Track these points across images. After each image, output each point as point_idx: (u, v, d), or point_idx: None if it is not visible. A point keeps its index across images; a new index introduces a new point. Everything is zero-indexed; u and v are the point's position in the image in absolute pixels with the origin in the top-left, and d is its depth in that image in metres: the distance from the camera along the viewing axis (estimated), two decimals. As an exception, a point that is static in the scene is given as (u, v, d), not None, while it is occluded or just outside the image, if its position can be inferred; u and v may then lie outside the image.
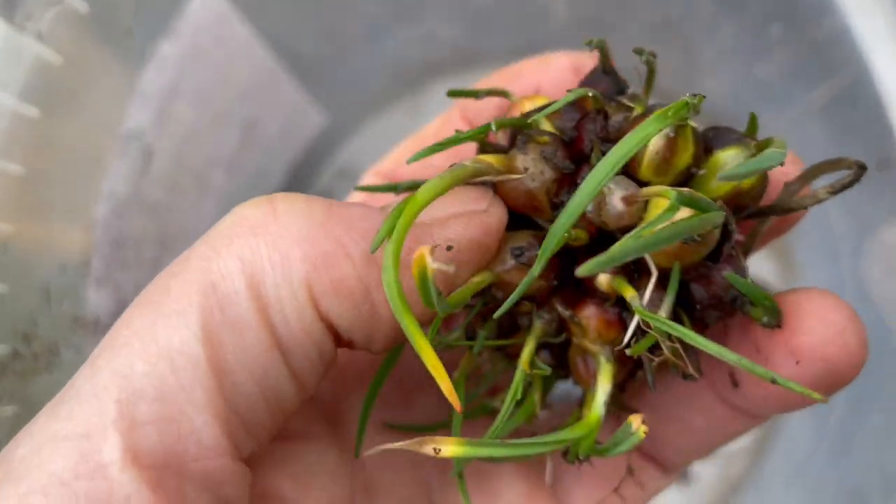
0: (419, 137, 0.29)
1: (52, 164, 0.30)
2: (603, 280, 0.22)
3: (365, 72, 0.55)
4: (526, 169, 0.22)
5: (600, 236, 0.22)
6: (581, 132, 0.23)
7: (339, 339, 0.19)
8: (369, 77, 0.56)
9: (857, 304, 0.48)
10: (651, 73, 0.24)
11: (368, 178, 0.30)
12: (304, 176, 0.59)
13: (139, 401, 0.16)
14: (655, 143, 0.21)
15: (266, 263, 0.18)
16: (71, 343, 0.31)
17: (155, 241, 0.40)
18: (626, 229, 0.21)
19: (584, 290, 0.23)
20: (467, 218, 0.20)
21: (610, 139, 0.22)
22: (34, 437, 0.16)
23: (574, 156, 0.23)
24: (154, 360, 0.16)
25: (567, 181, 0.22)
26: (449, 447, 0.18)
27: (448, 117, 0.29)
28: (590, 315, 0.22)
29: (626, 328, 0.21)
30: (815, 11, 0.42)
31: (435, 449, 0.18)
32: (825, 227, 0.50)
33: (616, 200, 0.21)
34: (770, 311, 0.21)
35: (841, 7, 0.41)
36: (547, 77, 0.26)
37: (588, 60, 0.26)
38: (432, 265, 0.17)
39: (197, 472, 0.16)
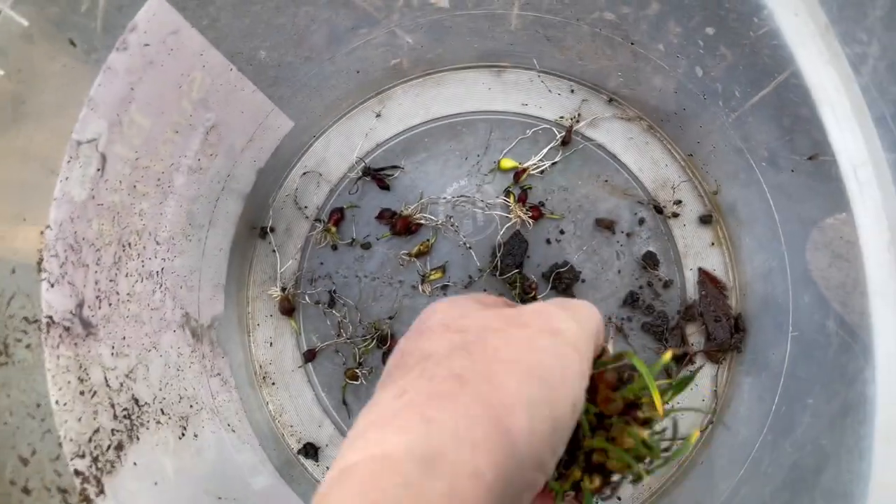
0: None
1: (2, 170, 0.32)
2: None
3: (330, 76, 0.57)
4: None
5: None
6: None
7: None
8: (335, 82, 0.58)
9: (800, 289, 0.50)
10: None
11: None
12: (272, 177, 0.61)
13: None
14: None
15: None
16: (21, 343, 0.32)
17: (115, 242, 0.42)
18: None
19: None
20: None
21: None
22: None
23: None
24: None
25: None
26: None
27: None
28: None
29: None
30: (746, 13, 0.44)
31: None
32: (769, 218, 0.52)
33: None
34: None
35: (770, 7, 0.43)
36: None
37: None
38: None
39: None
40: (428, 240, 0.60)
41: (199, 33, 0.41)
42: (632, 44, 0.54)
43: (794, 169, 0.49)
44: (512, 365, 0.28)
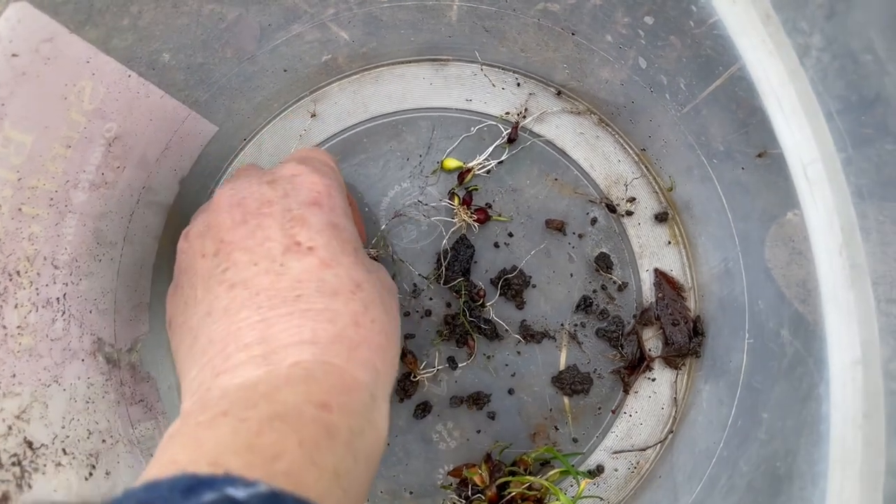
0: None
1: None
2: None
3: (252, 76, 0.53)
4: None
5: None
6: None
7: None
8: (259, 82, 0.54)
9: (755, 292, 0.47)
10: None
11: None
12: (199, 185, 0.57)
13: None
14: None
15: None
16: None
17: (0, 272, 0.38)
18: None
19: None
20: None
21: None
22: None
23: None
24: None
25: None
26: None
27: None
28: None
29: None
30: (686, 3, 0.40)
31: None
32: (723, 215, 0.49)
33: None
34: None
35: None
36: None
37: None
38: None
39: None
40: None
41: (81, 39, 0.37)
42: (573, 34, 0.50)
43: (745, 166, 0.46)
44: None
